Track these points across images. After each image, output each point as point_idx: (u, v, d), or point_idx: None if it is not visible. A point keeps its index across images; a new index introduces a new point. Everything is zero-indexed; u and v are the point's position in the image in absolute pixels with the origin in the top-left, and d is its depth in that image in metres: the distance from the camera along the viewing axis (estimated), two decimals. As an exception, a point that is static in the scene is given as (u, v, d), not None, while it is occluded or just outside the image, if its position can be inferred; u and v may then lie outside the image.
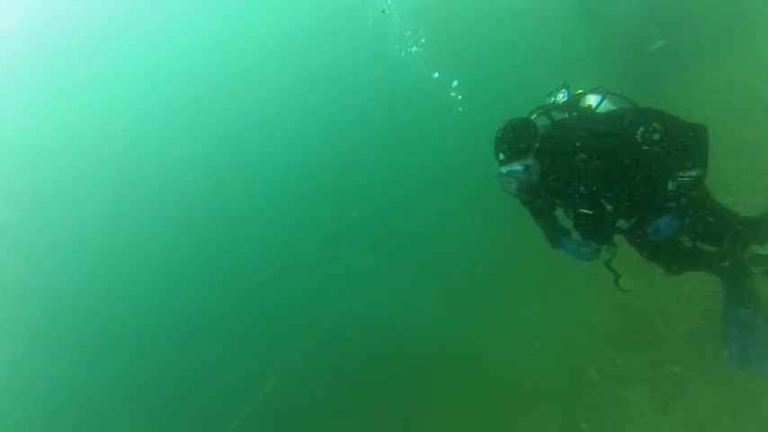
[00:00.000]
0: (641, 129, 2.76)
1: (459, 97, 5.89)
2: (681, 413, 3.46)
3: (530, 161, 2.95)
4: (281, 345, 7.43)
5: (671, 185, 2.73)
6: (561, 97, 3.24)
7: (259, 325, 8.17)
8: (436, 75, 6.23)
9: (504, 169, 3.01)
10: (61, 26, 10.63)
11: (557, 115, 3.20)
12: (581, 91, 3.22)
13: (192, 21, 11.43)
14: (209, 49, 11.36)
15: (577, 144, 2.88)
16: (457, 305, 6.58)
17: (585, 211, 3.04)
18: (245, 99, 10.58)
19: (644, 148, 2.77)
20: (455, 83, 5.88)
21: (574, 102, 3.19)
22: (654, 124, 2.74)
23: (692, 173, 2.71)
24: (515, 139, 2.98)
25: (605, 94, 3.13)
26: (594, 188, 2.93)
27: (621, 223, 3.07)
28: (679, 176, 2.71)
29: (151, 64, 11.33)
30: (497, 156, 3.04)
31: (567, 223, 3.27)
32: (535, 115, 3.17)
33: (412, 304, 6.94)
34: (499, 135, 3.05)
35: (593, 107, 3.11)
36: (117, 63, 10.99)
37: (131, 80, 10.96)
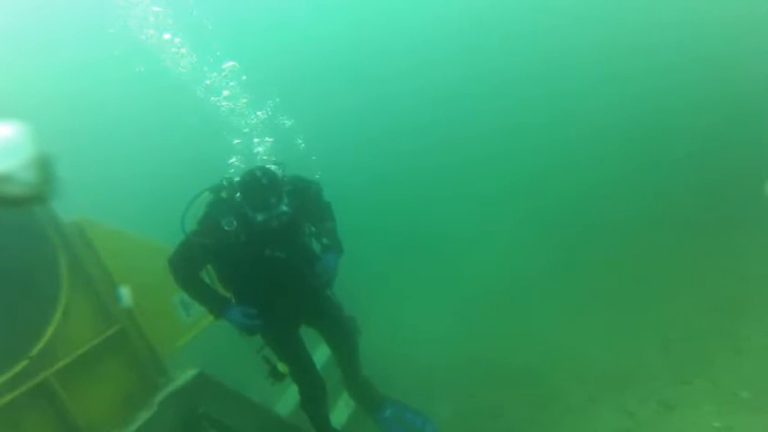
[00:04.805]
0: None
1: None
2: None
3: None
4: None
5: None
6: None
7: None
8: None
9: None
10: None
11: None
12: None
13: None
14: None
15: None
16: (469, 317, 6.54)
17: None
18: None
19: None
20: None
21: None
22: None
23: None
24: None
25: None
26: None
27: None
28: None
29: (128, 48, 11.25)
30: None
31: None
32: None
33: (419, 314, 6.95)
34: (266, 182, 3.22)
35: None
36: (90, 50, 10.93)
37: (108, 68, 10.92)
